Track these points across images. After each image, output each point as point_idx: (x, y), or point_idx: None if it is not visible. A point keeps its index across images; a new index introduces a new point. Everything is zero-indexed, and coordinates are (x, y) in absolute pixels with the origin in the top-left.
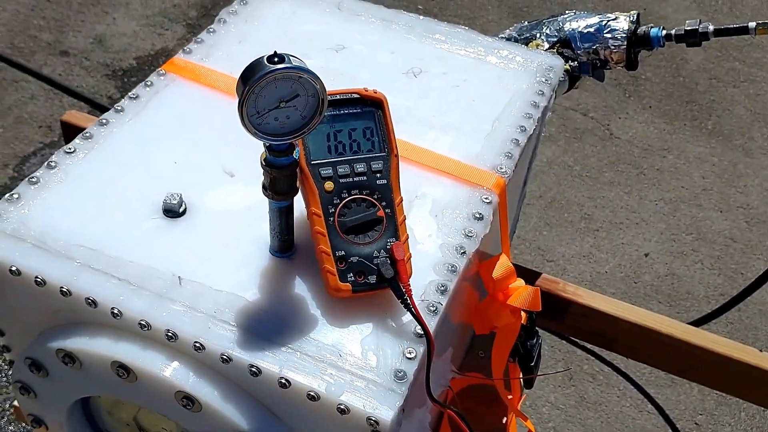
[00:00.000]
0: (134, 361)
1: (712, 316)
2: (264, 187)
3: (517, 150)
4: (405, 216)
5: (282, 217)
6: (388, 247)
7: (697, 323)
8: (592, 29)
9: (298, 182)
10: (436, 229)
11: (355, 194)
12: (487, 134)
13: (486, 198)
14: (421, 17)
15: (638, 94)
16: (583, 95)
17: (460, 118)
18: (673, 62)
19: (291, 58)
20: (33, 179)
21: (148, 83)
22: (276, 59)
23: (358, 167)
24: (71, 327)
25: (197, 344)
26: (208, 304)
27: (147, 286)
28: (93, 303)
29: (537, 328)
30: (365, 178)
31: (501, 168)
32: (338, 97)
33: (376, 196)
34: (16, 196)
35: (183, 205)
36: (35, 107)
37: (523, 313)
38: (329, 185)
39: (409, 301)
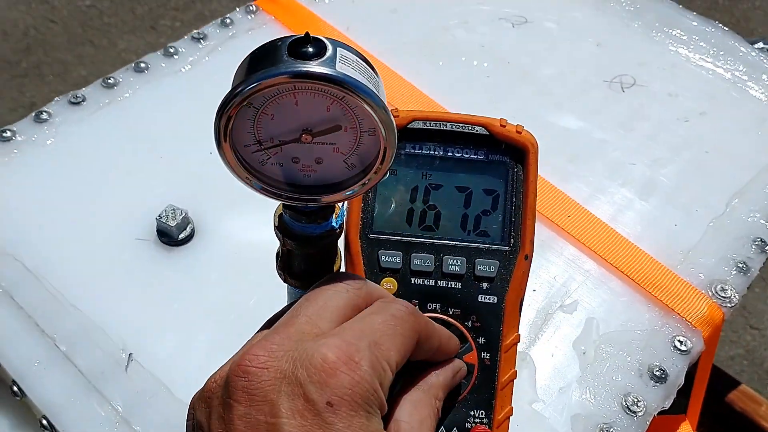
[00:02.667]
0: None
1: None
2: (276, 258)
3: (760, 259)
4: (516, 372)
5: None
6: (468, 427)
7: None
8: None
9: (340, 263)
10: (576, 378)
11: (435, 311)
12: (716, 218)
13: (682, 342)
14: None
15: None
16: None
17: (676, 178)
18: None
19: (339, 50)
20: (5, 134)
21: (227, 21)
22: (309, 49)
23: (452, 263)
24: None
25: None
26: (153, 418)
27: (77, 358)
28: None
29: None
30: (460, 285)
31: (723, 290)
32: (447, 127)
33: (471, 324)
34: None
35: (189, 228)
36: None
37: None
38: (390, 284)
39: None
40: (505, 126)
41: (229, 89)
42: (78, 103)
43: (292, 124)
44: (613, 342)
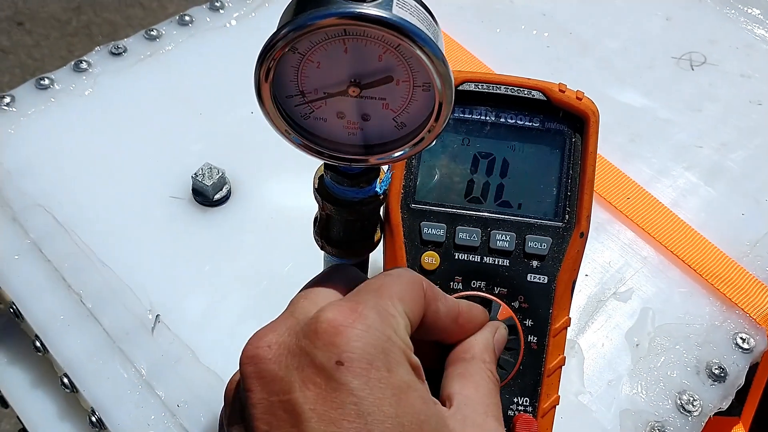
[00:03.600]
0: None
1: None
2: (314, 223)
3: None
4: (564, 358)
5: None
6: (509, 414)
7: None
8: None
9: (380, 234)
10: (627, 371)
11: (479, 289)
12: None
13: (745, 339)
14: None
15: None
16: None
17: (746, 165)
18: None
19: None
20: (43, 82)
21: None
22: None
23: (500, 238)
24: None
25: None
26: (177, 384)
27: (102, 316)
28: (17, 313)
29: None
30: (508, 263)
31: None
32: (501, 90)
33: (518, 305)
34: (7, 99)
35: (225, 189)
36: None
37: None
38: (432, 259)
39: None
40: (564, 92)
41: (274, 31)
42: (119, 54)
43: (339, 74)
44: (669, 335)
